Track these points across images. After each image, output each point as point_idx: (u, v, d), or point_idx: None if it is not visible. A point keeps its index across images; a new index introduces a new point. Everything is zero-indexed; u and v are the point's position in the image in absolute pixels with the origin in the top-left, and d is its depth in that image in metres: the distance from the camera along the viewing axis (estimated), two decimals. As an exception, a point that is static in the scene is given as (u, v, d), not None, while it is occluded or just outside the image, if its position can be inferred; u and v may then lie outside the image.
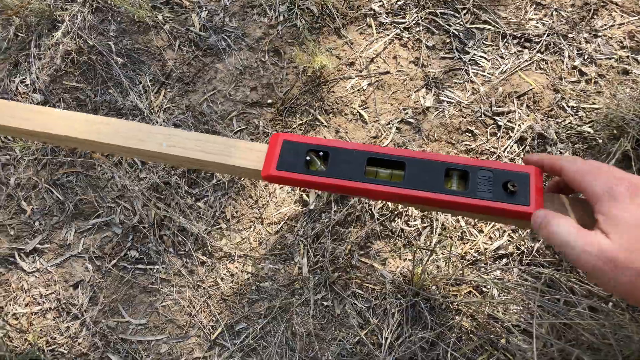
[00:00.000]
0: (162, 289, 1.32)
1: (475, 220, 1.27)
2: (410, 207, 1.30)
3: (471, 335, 1.15)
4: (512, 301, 1.15)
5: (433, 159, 0.58)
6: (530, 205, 0.55)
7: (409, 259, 1.26)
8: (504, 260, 1.23)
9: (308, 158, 0.60)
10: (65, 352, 1.29)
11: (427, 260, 1.20)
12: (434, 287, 1.20)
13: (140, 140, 0.71)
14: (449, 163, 0.58)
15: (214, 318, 1.29)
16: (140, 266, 1.35)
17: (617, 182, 0.47)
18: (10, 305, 1.34)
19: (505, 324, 1.14)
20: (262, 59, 1.55)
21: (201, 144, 0.69)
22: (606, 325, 1.01)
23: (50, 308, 1.33)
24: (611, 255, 0.44)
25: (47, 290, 1.35)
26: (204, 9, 1.62)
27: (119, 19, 1.63)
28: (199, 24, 1.61)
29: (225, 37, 1.58)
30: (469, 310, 1.16)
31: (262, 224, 1.36)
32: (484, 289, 1.20)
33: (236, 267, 1.32)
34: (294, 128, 1.45)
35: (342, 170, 0.59)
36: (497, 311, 1.16)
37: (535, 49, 1.48)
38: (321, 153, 0.61)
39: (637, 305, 0.48)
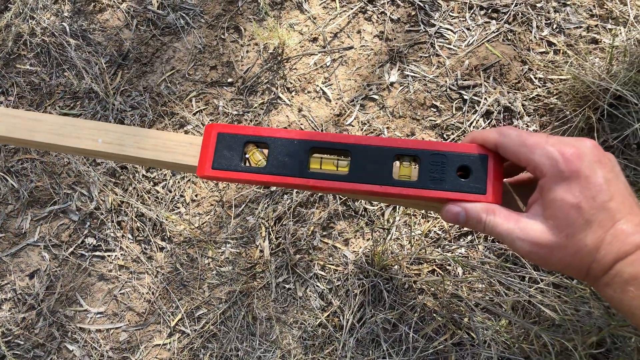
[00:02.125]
0: (121, 276, 1.29)
1: (423, 211, 1.22)
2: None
3: (434, 315, 1.12)
4: (472, 278, 1.12)
5: (380, 145, 0.53)
6: (487, 194, 0.49)
7: (371, 239, 1.22)
8: (469, 237, 1.19)
9: (246, 152, 0.55)
10: (22, 343, 1.25)
11: (387, 240, 1.16)
12: (396, 267, 1.17)
13: (77, 138, 0.66)
14: (397, 149, 0.52)
15: (173, 304, 1.25)
16: (97, 253, 1.31)
17: (559, 157, 0.43)
18: (-36, 297, 1.30)
19: (469, 303, 1.11)
20: (222, 37, 1.50)
21: (139, 139, 0.65)
22: (568, 301, 0.98)
23: (5, 299, 1.29)
24: (546, 241, 0.43)
25: (2, 280, 1.31)
26: (162, -14, 1.57)
27: (73, -2, 1.57)
28: (157, 2, 1.55)
29: (184, 15, 1.52)
30: (431, 289, 1.13)
31: (222, 207, 1.32)
32: (447, 267, 1.17)
33: (196, 252, 1.28)
34: (255, 107, 1.40)
35: (283, 165, 0.54)
36: (461, 290, 1.13)
37: (502, 19, 1.43)
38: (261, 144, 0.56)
39: (574, 276, 0.48)
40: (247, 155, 0.56)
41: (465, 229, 1.20)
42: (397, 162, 0.53)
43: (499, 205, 0.48)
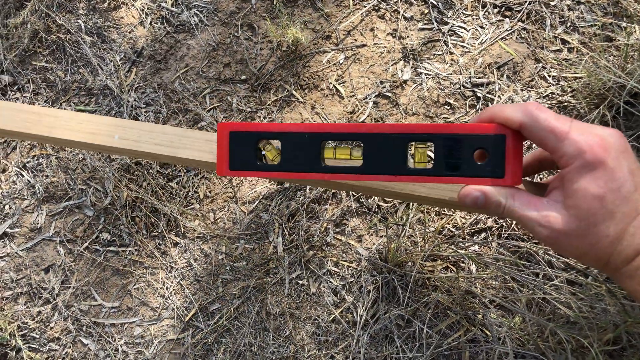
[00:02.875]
0: (135, 271, 1.30)
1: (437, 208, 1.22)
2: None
3: (448, 311, 1.12)
4: (486, 275, 1.12)
5: (392, 132, 0.51)
6: (505, 177, 0.48)
7: (385, 236, 1.23)
8: (482, 234, 1.19)
9: (261, 147, 0.56)
10: (37, 336, 1.26)
11: (401, 236, 1.17)
12: (410, 264, 1.17)
13: (92, 134, 0.67)
14: (410, 135, 0.51)
15: (187, 299, 1.26)
16: (112, 248, 1.32)
17: (587, 147, 0.43)
18: (-20, 290, 1.32)
19: (483, 300, 1.11)
20: (236, 34, 1.50)
21: (155, 135, 0.66)
22: (583, 298, 0.98)
23: (21, 293, 1.31)
24: (567, 230, 0.43)
25: (18, 275, 1.32)
26: (176, -16, 1.57)
27: (88, -4, 1.58)
28: (171, -1, 1.56)
29: (198, 13, 1.53)
30: (445, 286, 1.13)
31: (236, 204, 1.33)
32: (461, 264, 1.17)
33: (210, 248, 1.29)
34: (269, 105, 1.41)
35: (297, 159, 0.54)
36: (475, 287, 1.13)
37: (516, 17, 1.43)
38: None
39: (591, 265, 0.49)
40: (263, 152, 0.57)
41: (480, 225, 1.20)
42: (412, 148, 0.52)
43: (519, 188, 0.48)
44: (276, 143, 0.57)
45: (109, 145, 0.66)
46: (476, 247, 1.18)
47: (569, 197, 0.43)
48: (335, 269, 1.23)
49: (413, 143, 0.52)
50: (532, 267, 1.10)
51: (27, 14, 1.53)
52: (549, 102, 1.30)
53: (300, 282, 1.23)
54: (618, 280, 0.45)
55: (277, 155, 0.56)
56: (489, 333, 1.08)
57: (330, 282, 1.22)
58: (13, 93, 1.49)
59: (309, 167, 0.53)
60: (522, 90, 1.33)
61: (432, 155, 0.52)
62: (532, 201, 0.46)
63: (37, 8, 1.54)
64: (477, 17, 1.45)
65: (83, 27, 1.53)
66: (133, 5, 1.56)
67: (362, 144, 0.52)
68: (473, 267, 1.16)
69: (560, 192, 0.44)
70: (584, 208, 0.42)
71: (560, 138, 0.43)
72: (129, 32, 1.54)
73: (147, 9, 1.56)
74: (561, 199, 0.44)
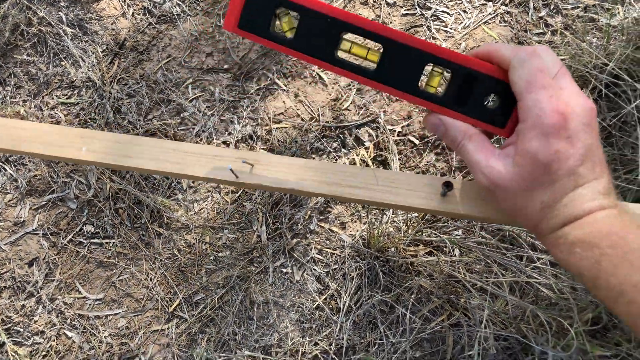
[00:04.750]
0: (119, 263, 1.29)
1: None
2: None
3: (431, 296, 1.12)
4: (469, 260, 1.11)
5: (415, 46, 0.48)
6: (505, 128, 0.48)
7: (367, 222, 1.22)
8: (466, 219, 1.19)
9: (277, 13, 0.50)
10: (21, 330, 1.26)
11: (384, 222, 1.16)
12: (392, 249, 1.16)
13: (60, 147, 0.65)
14: (432, 56, 0.48)
15: (171, 290, 1.25)
16: (96, 241, 1.32)
17: (549, 111, 0.42)
18: (-36, 285, 1.31)
19: (466, 284, 1.10)
20: (218, 23, 1.49)
21: (123, 146, 0.64)
22: (565, 279, 0.98)
23: (4, 287, 1.30)
24: (505, 185, 0.44)
25: (1, 268, 1.32)
26: (158, -25, 1.56)
27: (69, -12, 1.57)
28: (153, -10, 1.55)
29: (180, 3, 1.52)
30: (428, 270, 1.12)
31: (219, 193, 1.32)
32: (444, 248, 1.16)
33: (193, 238, 1.28)
34: (251, 93, 1.40)
35: (312, 41, 0.49)
36: (458, 271, 1.12)
37: (499, 1, 1.42)
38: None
39: (522, 226, 0.49)
40: (277, 20, 0.51)
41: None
42: (429, 68, 0.50)
43: (480, 132, 0.48)
44: (293, 14, 0.54)
45: (77, 158, 0.65)
46: (460, 232, 1.18)
47: (518, 154, 0.43)
48: (319, 257, 1.22)
49: (431, 64, 0.49)
50: (515, 250, 1.09)
51: (8, 7, 1.52)
52: (533, 85, 1.29)
53: (284, 270, 1.23)
54: (545, 245, 0.46)
55: (292, 29, 0.51)
56: (471, 317, 1.07)
57: (314, 269, 1.21)
58: (-5, 87, 1.48)
59: (322, 54, 0.49)
60: (505, 74, 1.32)
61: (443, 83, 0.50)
62: (486, 148, 0.46)
63: (18, 1, 1.53)
64: (460, 2, 1.44)
65: (64, 19, 1.52)
66: (114, -4, 1.55)
67: (381, 47, 0.49)
68: (456, 252, 1.15)
69: (514, 148, 0.45)
70: (527, 170, 0.43)
71: (529, 90, 0.43)
72: (111, 24, 1.52)
73: (129, 0, 1.54)
74: (512, 154, 0.44)
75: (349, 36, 0.50)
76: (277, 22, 0.50)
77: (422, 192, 0.60)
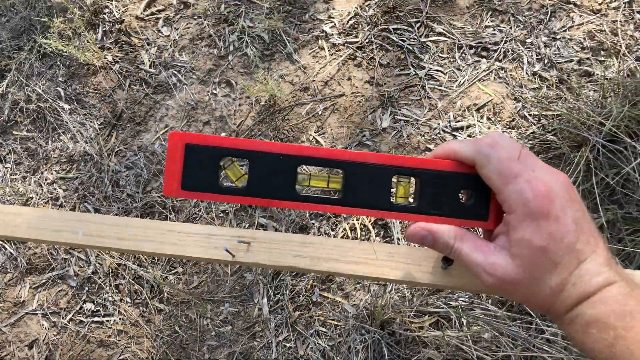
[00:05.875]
0: (120, 342, 1.26)
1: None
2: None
3: (439, 370, 1.08)
4: (475, 328, 1.08)
5: (377, 163, 0.46)
6: (489, 220, 0.46)
7: (371, 292, 1.19)
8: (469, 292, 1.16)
9: (223, 165, 0.47)
10: (22, 417, 1.23)
11: (388, 292, 1.13)
12: (398, 320, 1.13)
13: (56, 232, 0.65)
14: (396, 167, 0.46)
15: (173, 369, 1.22)
16: (96, 319, 1.29)
17: (531, 196, 0.41)
18: (-36, 371, 1.29)
19: (473, 357, 1.06)
20: (214, 92, 1.50)
21: (119, 229, 0.64)
22: (574, 351, 0.94)
23: (4, 371, 1.28)
24: (511, 279, 0.43)
25: (1, 352, 1.29)
26: (153, 45, 1.58)
27: (67, 62, 1.59)
28: (149, 60, 1.57)
29: (176, 72, 1.54)
30: (435, 342, 1.09)
31: (219, 265, 1.30)
32: (450, 317, 1.13)
33: (194, 313, 1.26)
34: (249, 161, 1.40)
35: (267, 184, 0.46)
36: (465, 342, 1.08)
37: (493, 57, 1.42)
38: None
39: (536, 310, 0.47)
40: (223, 170, 0.47)
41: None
42: (395, 180, 0.48)
43: (468, 229, 0.47)
44: (240, 162, 0.51)
45: (73, 242, 0.65)
46: (465, 298, 1.15)
47: (513, 245, 0.42)
48: (323, 329, 1.19)
49: (396, 176, 0.48)
50: (522, 319, 1.06)
51: (7, 85, 1.54)
52: (531, 142, 1.28)
53: (288, 344, 1.19)
54: (559, 326, 0.44)
55: (242, 177, 0.48)
56: (482, 392, 1.03)
57: (318, 343, 1.18)
58: (-6, 165, 1.49)
59: (281, 194, 0.47)
60: (503, 131, 1.31)
61: (412, 191, 0.48)
62: (480, 245, 0.45)
63: (16, 78, 1.55)
64: (454, 59, 1.44)
65: (62, 94, 1.54)
66: (111, 69, 1.57)
67: (343, 171, 0.47)
68: (464, 320, 1.12)
69: (506, 239, 0.44)
70: (528, 259, 0.42)
71: (506, 182, 0.42)
72: (108, 96, 1.54)
73: (126, 71, 1.56)
74: (507, 245, 0.43)
75: (304, 169, 0.48)
76: (223, 174, 0.48)
77: (423, 266, 0.58)
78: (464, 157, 0.45)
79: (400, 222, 1.26)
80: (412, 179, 0.48)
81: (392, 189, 0.47)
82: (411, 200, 0.48)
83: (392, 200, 0.47)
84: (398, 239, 1.24)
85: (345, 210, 0.47)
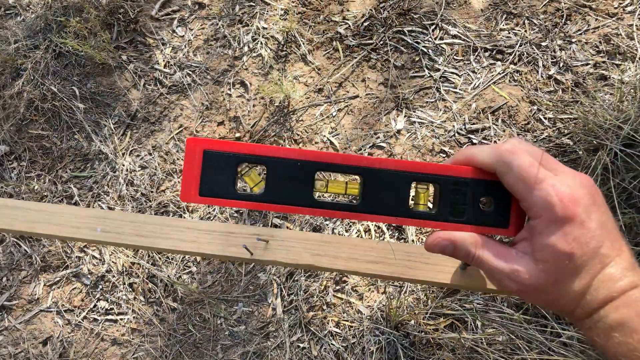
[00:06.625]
0: (134, 340, 1.27)
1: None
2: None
3: (454, 372, 1.08)
4: (490, 331, 1.08)
5: (396, 169, 0.46)
6: (509, 227, 0.46)
7: (386, 293, 1.19)
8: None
9: (240, 172, 0.47)
10: (35, 414, 1.23)
11: (403, 292, 1.13)
12: (412, 322, 1.13)
13: (75, 228, 0.66)
14: (415, 174, 0.46)
15: (187, 368, 1.23)
16: (110, 317, 1.30)
17: (556, 201, 0.41)
18: (-22, 367, 1.30)
19: (490, 357, 1.06)
20: (228, 92, 1.51)
21: (137, 226, 0.65)
22: (592, 355, 0.94)
23: (19, 368, 1.28)
24: (535, 284, 0.42)
25: (16, 349, 1.30)
26: (168, 45, 1.59)
27: (82, 62, 1.60)
28: (164, 61, 1.57)
29: (190, 73, 1.54)
30: (450, 344, 1.09)
31: (233, 264, 1.30)
32: (465, 319, 1.13)
33: (208, 312, 1.26)
34: (263, 161, 1.40)
35: (284, 191, 0.47)
36: (480, 344, 1.08)
37: (508, 60, 1.42)
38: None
39: (558, 314, 0.47)
40: (241, 176, 0.48)
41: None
42: (414, 186, 0.48)
43: (488, 236, 0.47)
44: (257, 168, 0.51)
45: (92, 239, 0.65)
46: (480, 300, 1.14)
47: (538, 250, 0.42)
48: (337, 330, 1.19)
49: (415, 183, 0.47)
50: (538, 322, 1.05)
51: (23, 84, 1.55)
52: (547, 145, 1.28)
53: (301, 345, 1.20)
54: (582, 330, 0.44)
55: (260, 183, 0.49)
56: (498, 394, 1.03)
57: (332, 344, 1.18)
58: (10, 163, 1.50)
59: (298, 200, 0.47)
60: (518, 134, 1.31)
61: (431, 198, 0.48)
62: (502, 252, 0.44)
63: (32, 77, 1.56)
64: (469, 62, 1.44)
65: (77, 93, 1.54)
66: (126, 68, 1.58)
67: (360, 177, 0.47)
68: (478, 322, 1.12)
69: (529, 244, 0.43)
70: (552, 264, 0.41)
71: (530, 188, 0.42)
72: (123, 95, 1.55)
73: (140, 71, 1.57)
74: (529, 250, 0.43)
75: (321, 175, 0.48)
76: (241, 180, 0.48)
77: (442, 266, 0.58)
78: (484, 163, 0.45)
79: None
80: (431, 185, 0.49)
81: (410, 195, 0.47)
82: (430, 206, 0.48)
83: (410, 206, 0.47)
84: (413, 240, 1.24)
85: (363, 217, 0.47)
